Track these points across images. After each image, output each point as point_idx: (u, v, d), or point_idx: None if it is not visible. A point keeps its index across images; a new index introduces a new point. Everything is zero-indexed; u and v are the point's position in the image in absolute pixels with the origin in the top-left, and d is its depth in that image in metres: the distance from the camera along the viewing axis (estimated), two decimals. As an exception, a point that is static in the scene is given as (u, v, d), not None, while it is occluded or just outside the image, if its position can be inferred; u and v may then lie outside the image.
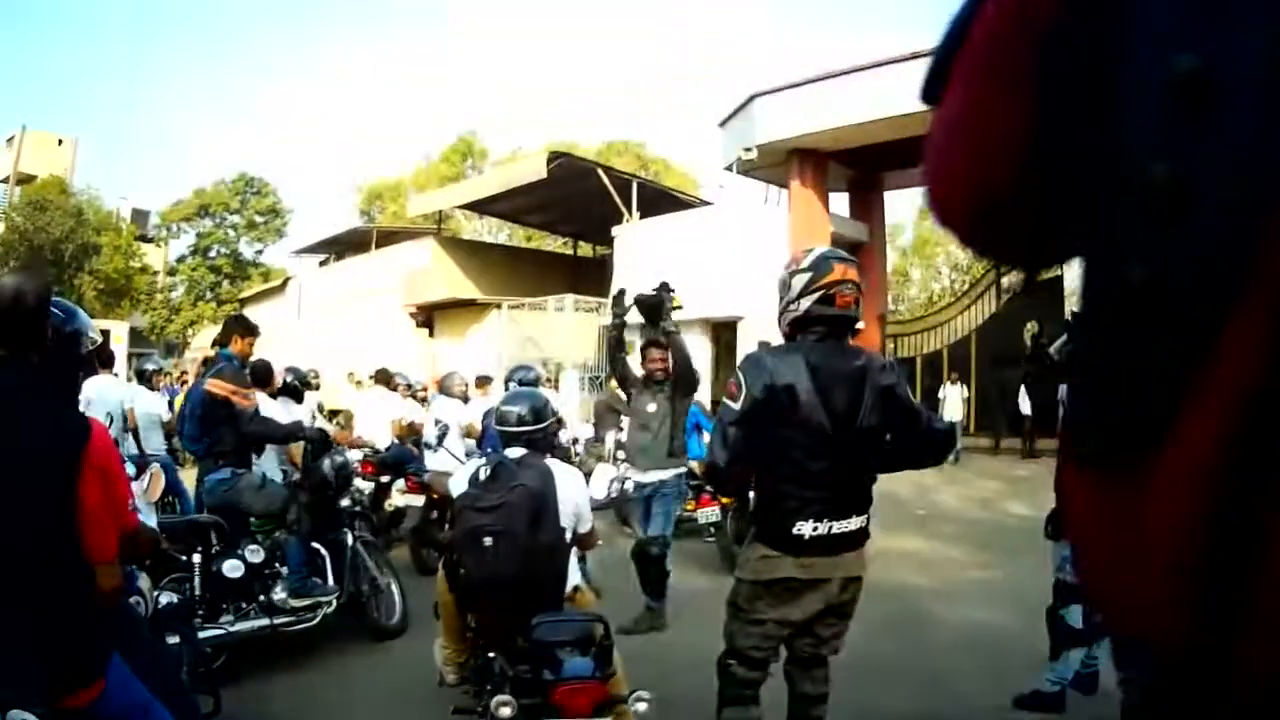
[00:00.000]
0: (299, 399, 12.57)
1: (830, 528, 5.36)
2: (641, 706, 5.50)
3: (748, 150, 29.83)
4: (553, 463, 6.44)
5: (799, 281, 5.51)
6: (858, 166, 32.62)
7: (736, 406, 5.40)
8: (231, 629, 8.22)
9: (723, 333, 29.57)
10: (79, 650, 3.97)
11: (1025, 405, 27.94)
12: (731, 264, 28.55)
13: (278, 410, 10.48)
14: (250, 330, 9.67)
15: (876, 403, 5.44)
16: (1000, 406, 29.42)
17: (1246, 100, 0.96)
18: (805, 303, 5.47)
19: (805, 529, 5.33)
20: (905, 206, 79.29)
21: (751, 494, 6.29)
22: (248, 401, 8.79)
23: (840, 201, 34.46)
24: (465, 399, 14.93)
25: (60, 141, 74.92)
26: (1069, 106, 1.15)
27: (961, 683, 8.07)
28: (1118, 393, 1.12)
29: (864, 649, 7.83)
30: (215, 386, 8.85)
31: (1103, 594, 1.21)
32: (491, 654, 6.23)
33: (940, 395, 29.29)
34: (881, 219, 36.29)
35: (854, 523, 5.46)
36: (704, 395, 16.01)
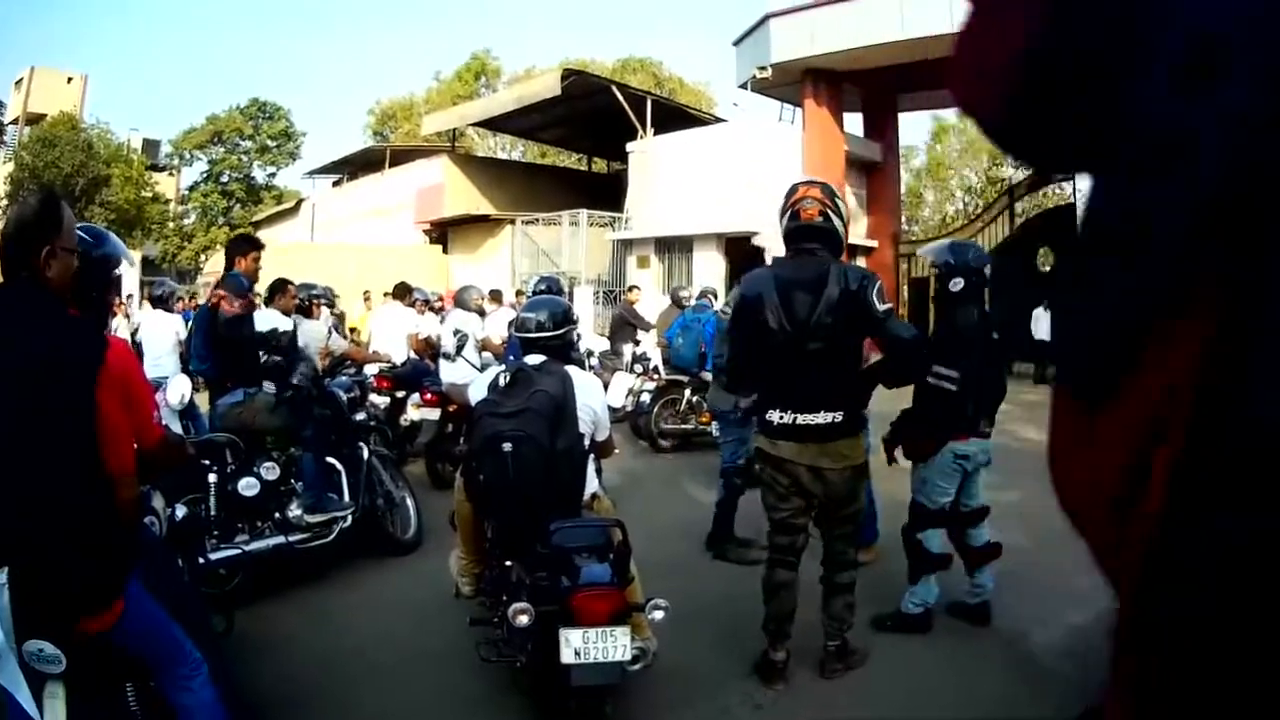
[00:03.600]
0: (310, 315, 12.41)
1: (795, 419, 6.17)
2: (657, 615, 5.53)
3: (762, 69, 29.78)
4: (572, 369, 6.36)
5: (780, 209, 6.46)
6: (871, 88, 32.58)
7: (728, 316, 6.43)
8: (247, 548, 8.10)
9: (735, 247, 29.45)
10: (99, 567, 3.88)
11: (1041, 330, 27.83)
12: (746, 180, 28.47)
13: (288, 326, 10.30)
14: (252, 245, 9.47)
15: (835, 304, 6.00)
16: (1013, 330, 28.93)
17: (1250, 64, 0.99)
18: (783, 224, 6.38)
19: (774, 416, 6.26)
20: (918, 129, 79.05)
21: None
22: (230, 307, 8.57)
23: (854, 122, 34.28)
24: (481, 312, 14.81)
25: (69, 79, 74.88)
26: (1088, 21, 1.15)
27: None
28: (1090, 327, 1.20)
29: (868, 568, 8.01)
30: (213, 298, 8.74)
31: (1064, 505, 1.30)
32: (508, 563, 6.18)
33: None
34: (895, 140, 36.24)
35: (821, 417, 6.13)
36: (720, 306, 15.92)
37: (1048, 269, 29.59)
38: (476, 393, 6.44)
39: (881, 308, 6.08)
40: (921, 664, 6.89)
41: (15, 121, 70.30)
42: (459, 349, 12.20)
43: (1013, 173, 34.65)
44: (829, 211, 6.26)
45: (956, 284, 7.24)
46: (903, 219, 45.76)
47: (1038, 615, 7.72)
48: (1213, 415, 0.99)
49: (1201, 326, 0.99)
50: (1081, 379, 1.21)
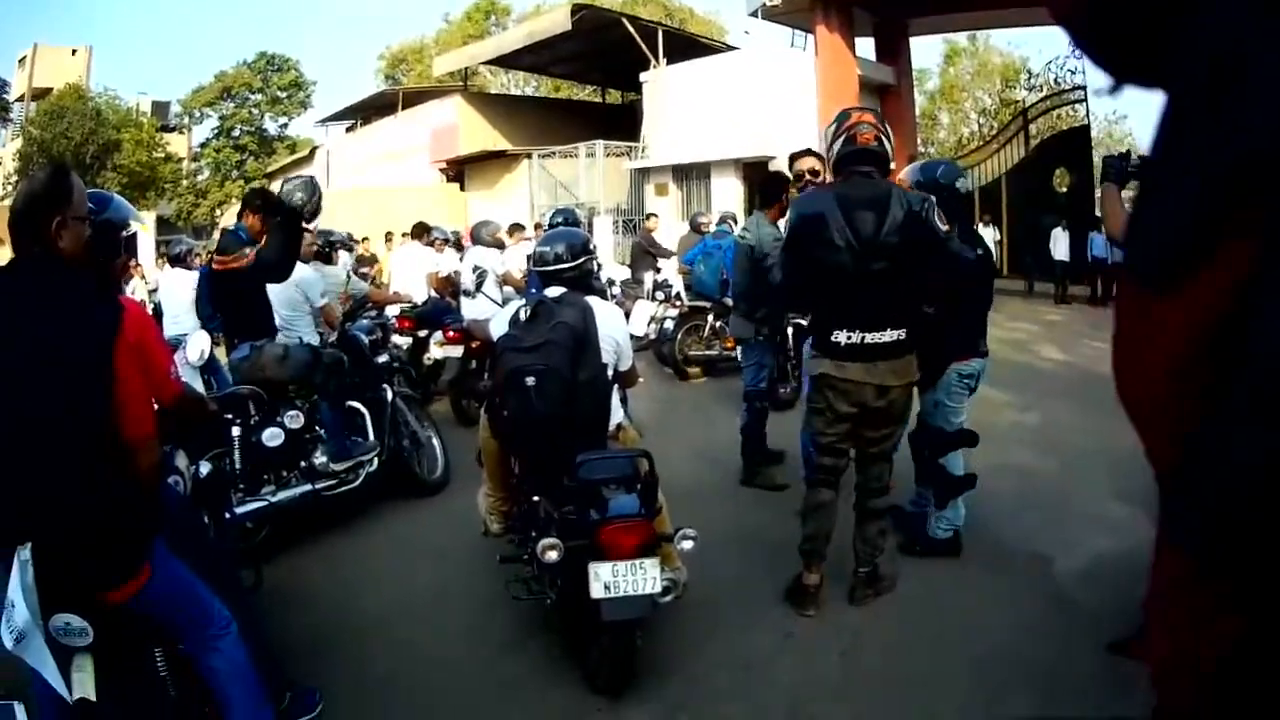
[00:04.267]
0: (329, 261, 12.37)
1: (863, 338, 6.10)
2: (686, 545, 5.52)
3: (772, -5, 29.55)
4: (593, 300, 6.31)
5: (829, 132, 6.41)
6: (882, 11, 32.23)
7: (783, 236, 6.37)
8: (273, 499, 8.00)
9: (753, 172, 29.10)
10: (122, 538, 3.84)
11: (1060, 251, 28.00)
12: (760, 106, 28.53)
13: (317, 279, 10.25)
14: (265, 201, 9.15)
15: (900, 224, 5.97)
16: (1031, 250, 29.03)
17: None
18: (836, 146, 6.28)
19: (840, 337, 6.14)
20: (931, 52, 78.61)
21: None
22: (242, 261, 8.32)
23: (866, 46, 34.06)
24: (500, 246, 14.68)
25: (74, 52, 74.88)
26: None
27: (998, 525, 7.87)
28: (1164, 226, 1.26)
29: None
30: (217, 264, 8.55)
31: (1122, 389, 1.34)
32: (536, 498, 6.14)
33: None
34: (908, 63, 35.99)
35: (888, 335, 6.12)
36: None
37: (1064, 190, 29.65)
38: (498, 328, 6.39)
39: (943, 228, 6.20)
40: (948, 591, 6.84)
41: (21, 98, 70.30)
42: (479, 285, 12.15)
43: (1027, 94, 34.39)
44: (882, 136, 6.28)
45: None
46: (918, 141, 45.50)
47: (1062, 540, 7.67)
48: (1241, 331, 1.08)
49: (1250, 246, 1.06)
50: (1151, 268, 1.24)
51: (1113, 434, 10.93)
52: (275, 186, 8.72)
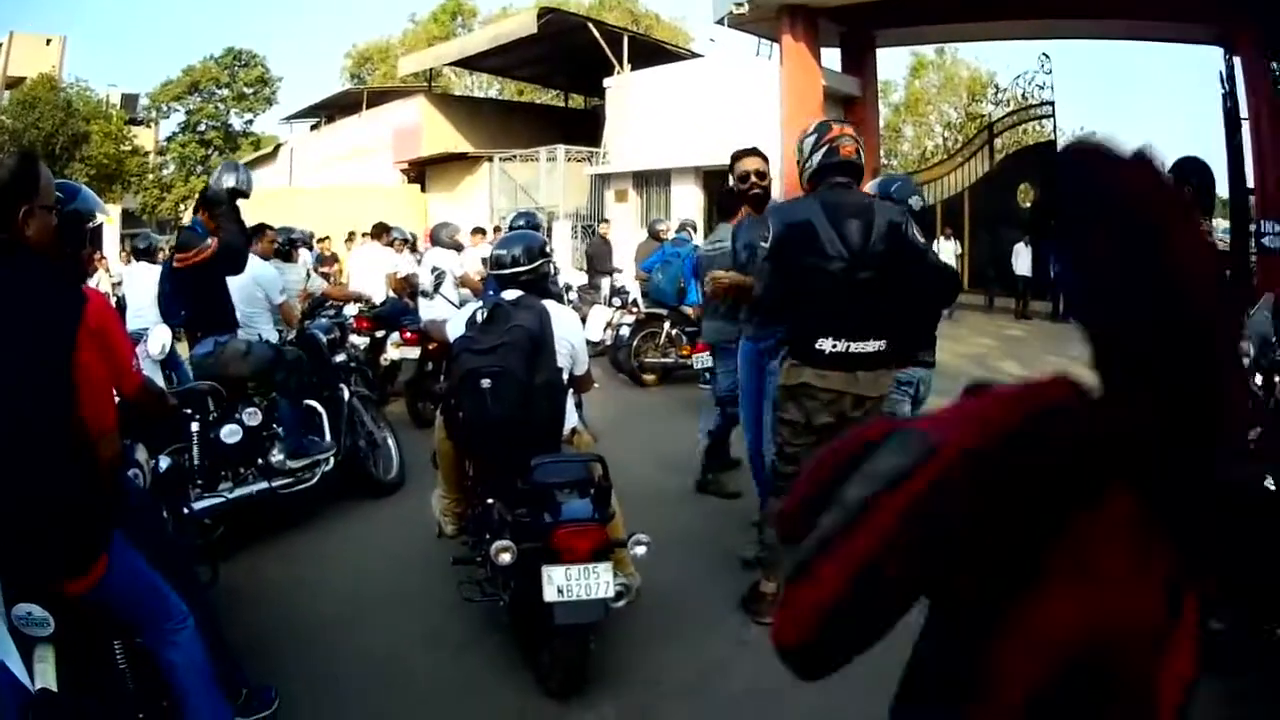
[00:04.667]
0: (289, 259, 12.37)
1: (848, 347, 6.09)
2: (640, 550, 5.58)
3: (739, 4, 29.51)
4: (549, 303, 6.35)
5: (808, 143, 6.40)
6: (849, 23, 32.24)
7: (766, 245, 6.20)
8: (230, 495, 8.03)
9: (714, 180, 29.04)
10: (80, 530, 3.83)
11: (1022, 266, 28.18)
12: (724, 114, 28.46)
13: (275, 276, 10.26)
14: (204, 197, 8.88)
15: (884, 234, 6.07)
16: (993, 265, 29.23)
17: None
18: (815, 158, 6.30)
19: (825, 345, 6.10)
20: (896, 64, 78.82)
21: None
22: (205, 254, 8.21)
23: (832, 58, 34.10)
24: (459, 248, 14.74)
25: (49, 41, 74.41)
26: None
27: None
28: None
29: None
30: (179, 260, 8.44)
31: None
32: (490, 500, 6.17)
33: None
34: (874, 75, 35.92)
35: (871, 345, 6.14)
36: (699, 240, 15.85)
37: (1027, 205, 29.64)
38: (455, 330, 6.45)
39: (920, 240, 6.34)
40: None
41: (-4, 87, 69.97)
42: (437, 286, 12.13)
43: (993, 108, 34.52)
44: (860, 150, 6.41)
45: None
46: (881, 154, 45.64)
47: None
48: None
49: None
50: None
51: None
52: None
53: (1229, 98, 23.60)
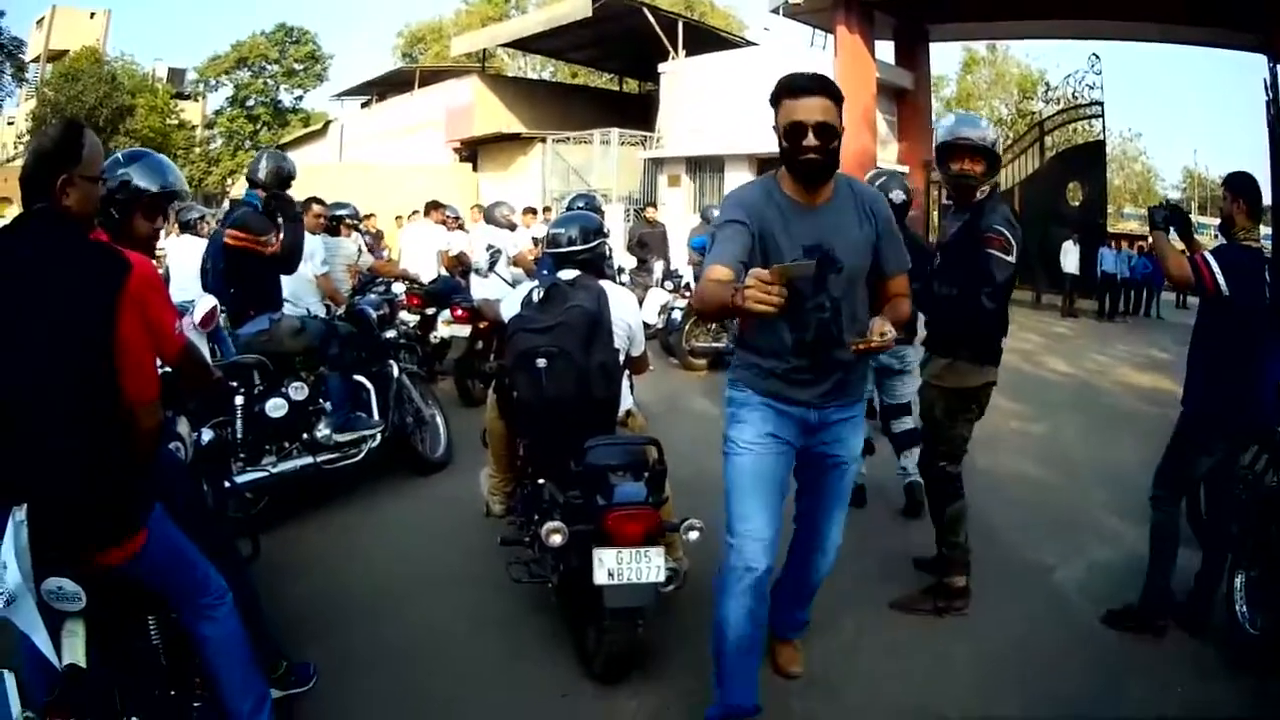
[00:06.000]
0: (335, 234, 12.35)
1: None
2: (693, 535, 5.46)
3: (794, -6, 29.50)
4: (606, 284, 6.32)
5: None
6: (903, 16, 32.24)
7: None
8: (274, 470, 8.02)
9: (767, 168, 28.80)
10: (118, 501, 3.79)
11: (1070, 264, 28.19)
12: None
13: (315, 244, 10.23)
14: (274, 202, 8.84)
15: None
16: (1040, 262, 28.95)
17: None
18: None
19: (1004, 343, 6.56)
20: (950, 59, 78.58)
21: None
22: (268, 249, 8.34)
23: (886, 50, 33.97)
24: (511, 227, 14.77)
25: (92, 15, 74.92)
26: None
27: (1003, 533, 7.87)
28: None
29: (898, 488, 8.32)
30: (231, 238, 8.37)
31: None
32: (541, 481, 6.13)
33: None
34: (926, 69, 35.91)
35: None
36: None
37: (1076, 203, 29.81)
38: (509, 308, 6.40)
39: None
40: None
41: (37, 59, 70.33)
42: (492, 265, 12.06)
43: (1043, 106, 34.35)
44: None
45: None
46: (932, 145, 45.67)
47: (1061, 550, 7.70)
48: None
49: None
50: None
51: (1114, 448, 10.94)
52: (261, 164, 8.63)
53: (1273, 105, 23.41)
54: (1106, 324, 26.84)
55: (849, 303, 4.68)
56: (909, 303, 5.07)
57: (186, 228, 14.76)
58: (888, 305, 4.86)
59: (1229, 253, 5.99)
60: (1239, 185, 6.17)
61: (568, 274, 6.26)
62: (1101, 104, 29.78)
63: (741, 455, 4.84)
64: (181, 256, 13.81)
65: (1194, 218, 7.63)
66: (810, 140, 4.48)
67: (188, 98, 75.48)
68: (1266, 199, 7.49)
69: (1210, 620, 6.14)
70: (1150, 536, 6.33)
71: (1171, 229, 6.53)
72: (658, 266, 17.87)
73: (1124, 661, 5.85)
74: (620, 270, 18.00)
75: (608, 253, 7.01)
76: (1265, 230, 24.02)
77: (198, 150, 72.67)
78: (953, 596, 6.47)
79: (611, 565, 5.11)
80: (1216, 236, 7.10)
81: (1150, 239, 6.94)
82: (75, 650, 3.66)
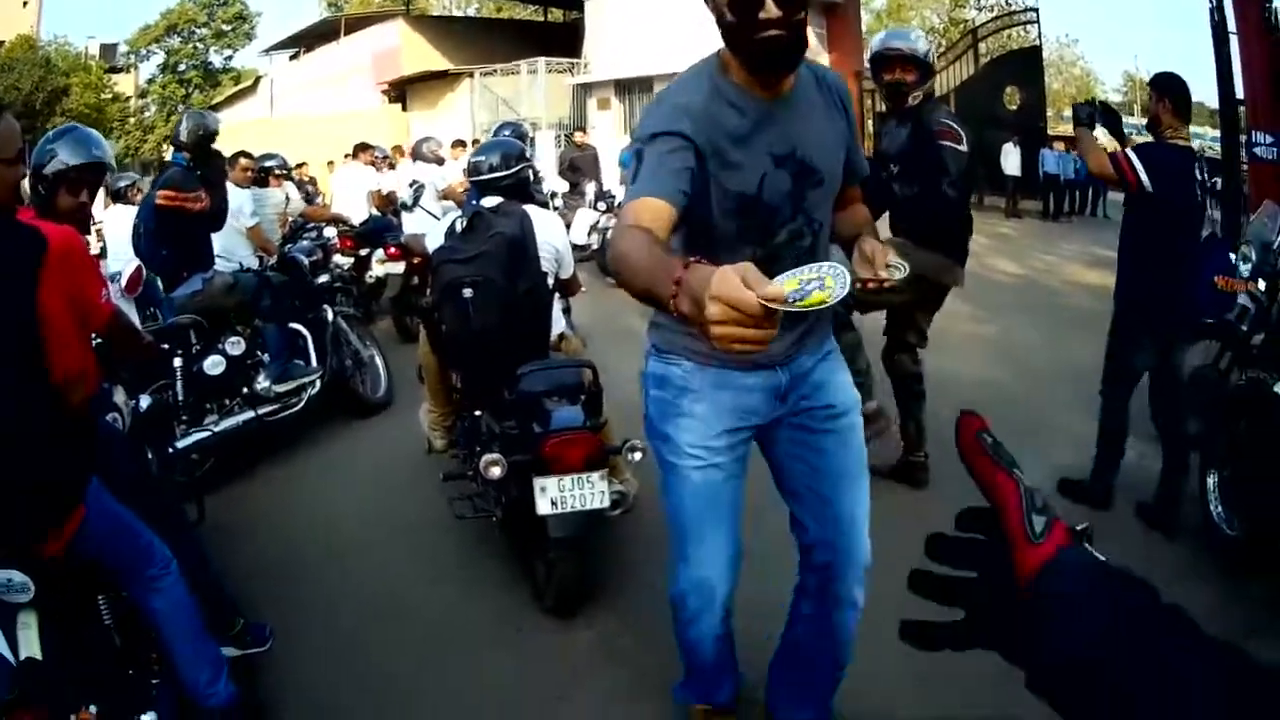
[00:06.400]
0: (264, 185, 12.27)
1: None
2: (636, 456, 5.37)
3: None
4: (530, 208, 6.21)
5: (934, 49, 6.49)
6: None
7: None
8: (216, 429, 7.90)
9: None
10: (54, 482, 3.69)
11: (1010, 166, 28.41)
12: (704, 18, 28.27)
13: (244, 197, 10.12)
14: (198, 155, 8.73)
15: None
16: (981, 165, 29.00)
17: None
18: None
19: None
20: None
21: None
22: (198, 205, 8.19)
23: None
24: (440, 161, 14.66)
25: (25, 3, 74.17)
26: None
27: (945, 429, 7.86)
28: None
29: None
30: (162, 198, 8.22)
31: None
32: (478, 412, 6.06)
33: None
34: (854, -20, 35.75)
35: None
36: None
37: (1014, 107, 30.13)
38: (434, 241, 6.44)
39: None
40: (909, 501, 6.72)
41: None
42: (416, 199, 12.01)
43: (976, 14, 34.46)
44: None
45: None
46: (864, 57, 45.74)
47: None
48: None
49: None
50: None
51: (1066, 346, 10.95)
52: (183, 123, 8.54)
53: (1217, 10, 23.52)
54: (1051, 224, 27.03)
55: (827, 226, 3.59)
56: (866, 210, 3.91)
57: (118, 197, 14.59)
58: (848, 219, 3.76)
59: (1153, 150, 6.13)
60: (1164, 85, 6.23)
61: (490, 201, 6.19)
62: (1036, 10, 29.96)
63: (691, 471, 3.62)
64: (116, 227, 13.70)
65: (1135, 121, 7.72)
66: (771, 9, 3.05)
67: (121, 70, 74.84)
68: (1211, 101, 7.80)
69: (1179, 521, 6.19)
70: (1099, 428, 6.54)
71: (1104, 128, 6.64)
72: (590, 188, 17.84)
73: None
74: (553, 195, 17.96)
75: (532, 177, 6.91)
76: (1214, 133, 24.33)
77: (132, 120, 72.36)
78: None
79: (553, 494, 5.03)
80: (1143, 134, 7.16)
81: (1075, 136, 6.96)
82: (30, 643, 3.58)
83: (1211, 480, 5.97)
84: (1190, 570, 5.70)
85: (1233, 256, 6.81)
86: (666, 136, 3.12)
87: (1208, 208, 6.88)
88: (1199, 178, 6.07)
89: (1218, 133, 21.78)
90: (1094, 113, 6.54)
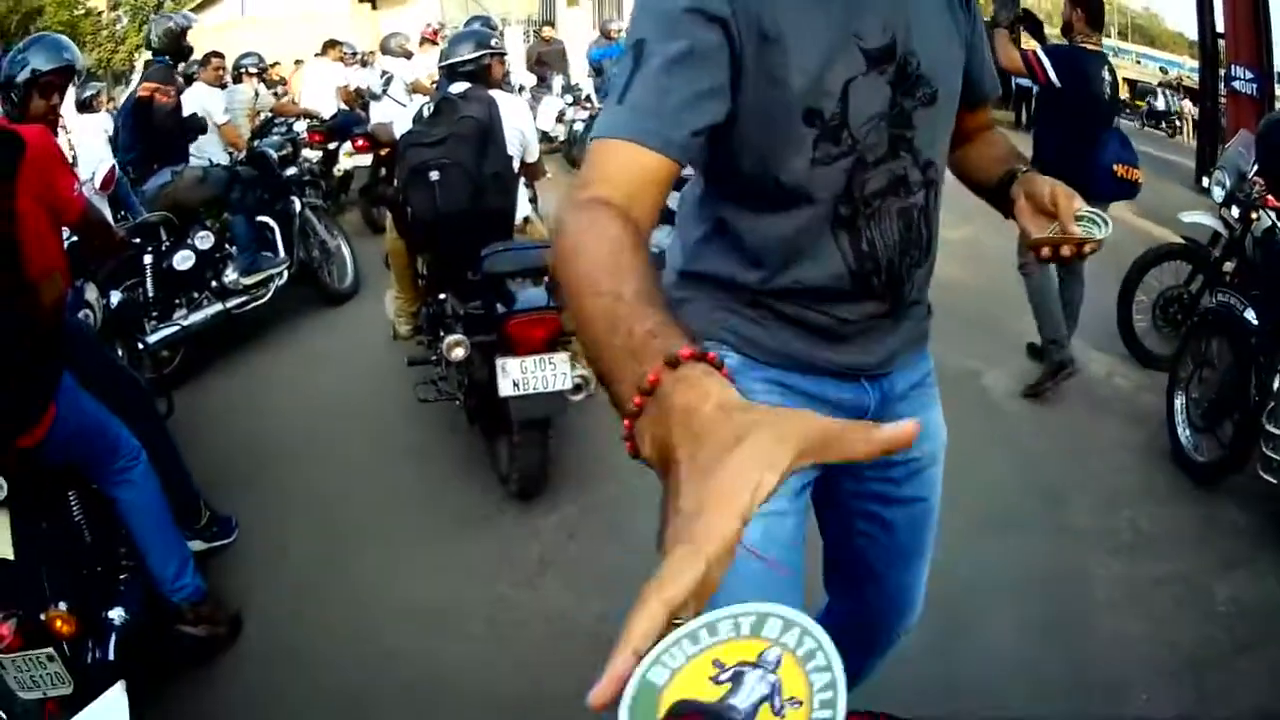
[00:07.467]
0: (238, 80, 12.44)
1: None
2: None
3: None
4: (497, 93, 6.23)
5: None
6: None
7: None
8: (185, 323, 7.92)
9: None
10: (27, 379, 3.71)
11: None
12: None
13: (216, 96, 10.12)
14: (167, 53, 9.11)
15: None
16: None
17: None
18: None
19: None
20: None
21: None
22: (166, 98, 8.44)
23: None
24: (408, 56, 14.76)
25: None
26: None
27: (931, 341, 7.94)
28: None
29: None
30: (144, 89, 8.51)
31: None
32: (443, 296, 6.08)
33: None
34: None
35: None
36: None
37: (985, 18, 29.77)
38: (401, 128, 6.42)
39: None
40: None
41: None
42: (385, 88, 12.02)
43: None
44: None
45: None
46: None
47: (988, 354, 7.80)
48: None
49: None
50: None
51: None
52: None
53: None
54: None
55: (943, 173, 2.40)
56: (1008, 140, 2.82)
57: (84, 107, 14.56)
58: (980, 154, 2.75)
59: (1062, 50, 6.79)
60: None
61: (458, 87, 6.18)
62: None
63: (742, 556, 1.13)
64: (84, 137, 13.68)
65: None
66: None
67: (93, -13, 74.55)
68: (1191, 33, 8.43)
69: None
70: (1029, 300, 6.91)
71: (1027, 33, 7.58)
72: (557, 81, 17.81)
73: (1066, 479, 5.85)
74: (521, 89, 17.94)
75: (502, 67, 6.91)
76: (1193, 63, 24.36)
77: (105, 33, 71.93)
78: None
79: (516, 375, 5.06)
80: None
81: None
82: (3, 544, 3.60)
83: (1179, 402, 6.00)
84: (1169, 496, 5.68)
85: (1205, 180, 7.16)
86: (692, 15, 1.75)
87: (1116, 110, 7.43)
88: (1108, 79, 6.70)
89: (1196, 64, 21.86)
90: (1012, 17, 7.28)
